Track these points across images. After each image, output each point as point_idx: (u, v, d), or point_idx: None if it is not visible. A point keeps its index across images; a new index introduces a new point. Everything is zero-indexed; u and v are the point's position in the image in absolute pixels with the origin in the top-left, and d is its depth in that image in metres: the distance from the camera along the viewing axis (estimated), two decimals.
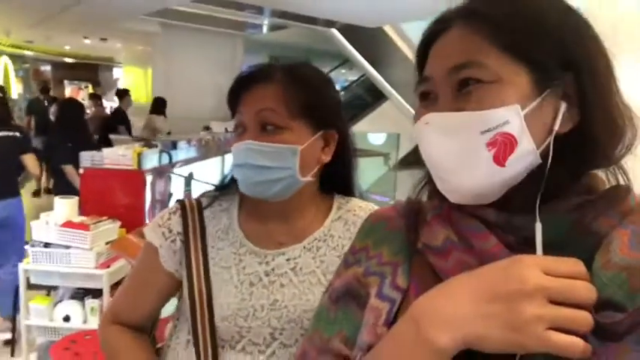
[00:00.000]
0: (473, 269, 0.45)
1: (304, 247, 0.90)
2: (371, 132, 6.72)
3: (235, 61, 7.72)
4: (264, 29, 7.55)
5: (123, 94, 6.53)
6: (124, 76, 9.47)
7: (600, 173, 0.51)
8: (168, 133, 5.71)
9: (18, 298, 2.53)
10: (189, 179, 3.14)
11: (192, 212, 0.93)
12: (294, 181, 0.86)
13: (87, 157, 2.68)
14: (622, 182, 0.50)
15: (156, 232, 0.93)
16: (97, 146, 3.20)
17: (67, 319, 2.36)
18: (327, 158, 0.90)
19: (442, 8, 0.53)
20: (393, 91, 6.49)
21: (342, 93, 9.32)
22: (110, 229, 2.47)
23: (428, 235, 0.53)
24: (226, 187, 0.97)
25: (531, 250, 0.45)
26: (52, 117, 6.57)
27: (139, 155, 2.65)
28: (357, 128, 7.44)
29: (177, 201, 0.96)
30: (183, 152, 3.31)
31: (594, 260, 0.44)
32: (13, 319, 2.76)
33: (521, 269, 0.41)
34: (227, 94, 0.90)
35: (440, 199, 0.54)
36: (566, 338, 0.39)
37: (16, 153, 3.17)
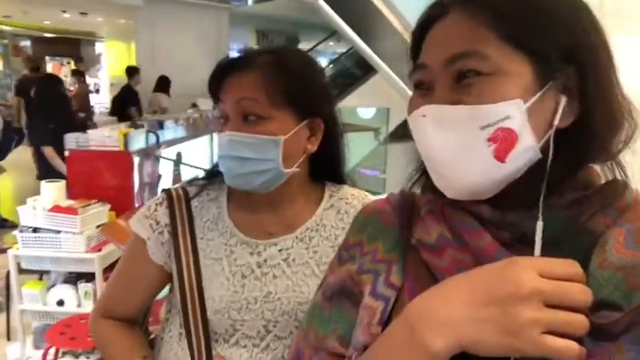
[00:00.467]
0: (467, 267, 0.45)
1: (296, 238, 0.89)
2: (360, 106, 6.66)
3: (221, 35, 7.56)
4: (249, 1, 7.36)
5: (132, 72, 6.25)
6: (106, 51, 9.22)
7: (596, 167, 0.50)
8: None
9: (9, 283, 2.52)
10: (178, 161, 3.10)
11: (180, 202, 0.91)
12: (278, 173, 0.84)
13: (72, 139, 2.63)
14: (618, 177, 0.49)
15: (143, 223, 0.91)
16: (81, 126, 3.13)
17: (60, 303, 2.36)
18: (313, 148, 0.87)
19: None
20: (383, 64, 6.42)
21: (331, 66, 9.21)
22: (99, 212, 2.45)
23: (422, 232, 0.52)
24: (214, 176, 0.95)
25: (526, 247, 0.45)
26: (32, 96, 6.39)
27: (125, 136, 2.61)
28: (347, 102, 7.38)
29: (163, 190, 0.94)
30: (170, 132, 3.26)
31: (590, 261, 0.43)
32: (7, 304, 2.76)
33: (516, 272, 0.40)
34: (208, 82, 0.87)
35: (434, 193, 0.53)
36: (561, 342, 0.38)
37: None
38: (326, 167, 0.94)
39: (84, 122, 5.02)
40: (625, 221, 0.45)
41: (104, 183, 2.59)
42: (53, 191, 2.43)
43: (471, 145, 0.45)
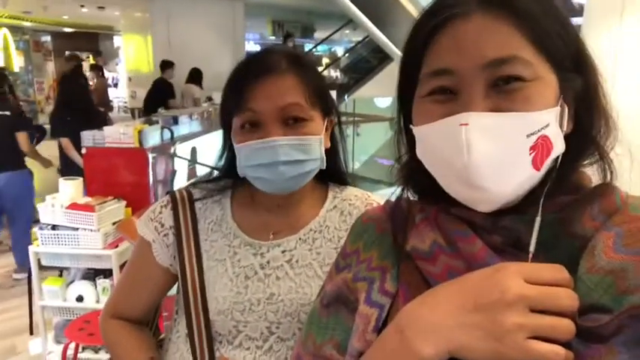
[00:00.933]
0: (460, 273, 0.45)
1: (300, 239, 0.89)
2: (377, 94, 6.61)
3: (236, 26, 7.55)
4: None
5: (166, 65, 6.36)
6: (124, 44, 9.30)
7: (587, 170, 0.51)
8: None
9: (31, 280, 2.59)
10: (193, 159, 3.11)
11: (184, 205, 0.91)
12: (316, 171, 0.86)
13: (88, 137, 2.66)
14: (608, 179, 0.50)
15: (148, 226, 0.92)
16: (98, 123, 3.17)
17: (80, 299, 2.41)
18: (328, 144, 0.89)
19: None
20: (399, 52, 6.33)
21: (347, 55, 9.12)
22: (116, 209, 2.48)
23: (416, 239, 0.53)
24: (221, 179, 0.95)
25: (517, 251, 0.46)
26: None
27: (140, 133, 2.63)
28: (363, 91, 7.32)
29: (168, 193, 0.95)
30: (185, 127, 3.27)
31: (579, 265, 0.44)
32: (29, 300, 2.83)
33: (503, 278, 0.41)
34: (226, 90, 0.85)
35: (429, 202, 0.53)
36: (546, 347, 0.39)
37: (6, 131, 3.51)
38: (329, 167, 0.93)
39: (104, 116, 5.09)
40: (613, 224, 0.45)
41: (120, 180, 2.62)
42: (71, 188, 2.47)
43: (516, 154, 0.45)
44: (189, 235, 0.89)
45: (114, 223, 2.44)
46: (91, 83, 7.08)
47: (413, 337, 0.43)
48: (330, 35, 9.25)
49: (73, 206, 2.38)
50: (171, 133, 2.92)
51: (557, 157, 0.46)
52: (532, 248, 0.45)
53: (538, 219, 0.45)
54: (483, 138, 0.44)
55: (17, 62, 10.73)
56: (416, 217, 0.54)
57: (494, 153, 0.44)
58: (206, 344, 0.86)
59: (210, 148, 3.28)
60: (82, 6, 8.61)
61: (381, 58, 7.43)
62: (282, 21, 9.82)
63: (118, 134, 2.65)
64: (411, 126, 0.51)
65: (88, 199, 2.46)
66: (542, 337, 0.39)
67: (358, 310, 0.54)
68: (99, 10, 8.79)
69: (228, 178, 0.94)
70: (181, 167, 3.03)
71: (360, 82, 7.54)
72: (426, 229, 0.52)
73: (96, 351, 2.23)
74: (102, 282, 2.42)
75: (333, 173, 0.95)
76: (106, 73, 9.64)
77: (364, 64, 8.30)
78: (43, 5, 8.47)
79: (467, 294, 0.42)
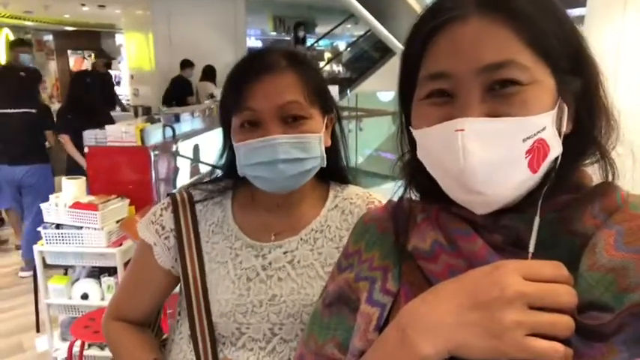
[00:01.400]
0: (461, 272, 0.45)
1: (301, 239, 0.89)
2: (380, 88, 6.59)
3: (237, 23, 7.52)
4: None
5: (185, 65, 6.46)
6: (126, 42, 9.28)
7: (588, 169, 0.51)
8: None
9: (36, 278, 2.61)
10: (195, 156, 3.11)
11: (184, 207, 0.91)
12: (316, 170, 0.86)
13: (91, 136, 2.67)
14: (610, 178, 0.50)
15: (149, 229, 0.92)
16: (101, 122, 3.17)
17: (85, 297, 2.43)
18: (328, 142, 0.89)
19: None
20: (400, 45, 6.30)
21: (349, 49, 9.08)
22: (119, 207, 2.49)
23: (417, 238, 0.53)
24: (221, 180, 0.95)
25: (518, 249, 0.46)
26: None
27: (142, 131, 2.63)
28: (365, 85, 7.29)
29: (169, 195, 0.95)
30: (187, 124, 3.27)
31: (581, 263, 0.44)
32: (35, 298, 2.85)
33: (501, 275, 0.41)
34: (225, 89, 0.85)
35: (430, 201, 0.53)
36: (545, 344, 0.39)
37: (32, 128, 3.61)
38: (330, 165, 0.93)
39: (109, 114, 5.10)
40: (614, 223, 0.45)
41: (123, 178, 2.63)
42: (74, 188, 2.48)
43: (512, 158, 0.45)
44: (190, 238, 0.89)
45: (117, 222, 2.45)
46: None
47: (413, 335, 0.43)
48: (332, 30, 9.21)
49: (77, 205, 2.39)
50: (173, 130, 2.92)
51: (557, 158, 0.46)
52: (531, 249, 0.45)
53: (537, 219, 0.45)
54: (479, 143, 0.44)
55: None
56: (417, 217, 0.55)
57: (490, 158, 0.44)
58: (209, 346, 0.86)
59: (212, 145, 3.28)
60: (83, 5, 8.60)
61: (383, 51, 7.40)
62: (283, 16, 9.79)
63: (119, 133, 2.66)
64: (410, 128, 0.51)
65: (91, 198, 2.46)
66: (541, 334, 0.39)
67: (360, 310, 0.55)
68: (100, 9, 8.77)
69: (228, 178, 0.94)
70: (184, 165, 3.03)
71: (363, 77, 7.51)
72: (427, 229, 0.52)
73: (102, 348, 2.24)
74: (107, 280, 2.43)
75: (334, 172, 0.95)
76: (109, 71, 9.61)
77: (366, 58, 8.27)
78: (44, 4, 8.47)
79: (466, 292, 0.42)
